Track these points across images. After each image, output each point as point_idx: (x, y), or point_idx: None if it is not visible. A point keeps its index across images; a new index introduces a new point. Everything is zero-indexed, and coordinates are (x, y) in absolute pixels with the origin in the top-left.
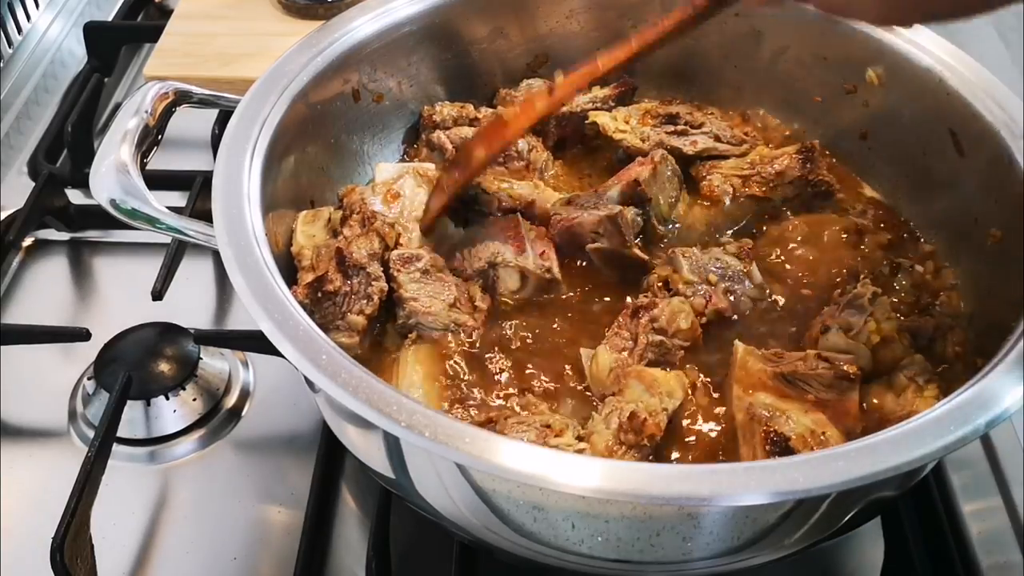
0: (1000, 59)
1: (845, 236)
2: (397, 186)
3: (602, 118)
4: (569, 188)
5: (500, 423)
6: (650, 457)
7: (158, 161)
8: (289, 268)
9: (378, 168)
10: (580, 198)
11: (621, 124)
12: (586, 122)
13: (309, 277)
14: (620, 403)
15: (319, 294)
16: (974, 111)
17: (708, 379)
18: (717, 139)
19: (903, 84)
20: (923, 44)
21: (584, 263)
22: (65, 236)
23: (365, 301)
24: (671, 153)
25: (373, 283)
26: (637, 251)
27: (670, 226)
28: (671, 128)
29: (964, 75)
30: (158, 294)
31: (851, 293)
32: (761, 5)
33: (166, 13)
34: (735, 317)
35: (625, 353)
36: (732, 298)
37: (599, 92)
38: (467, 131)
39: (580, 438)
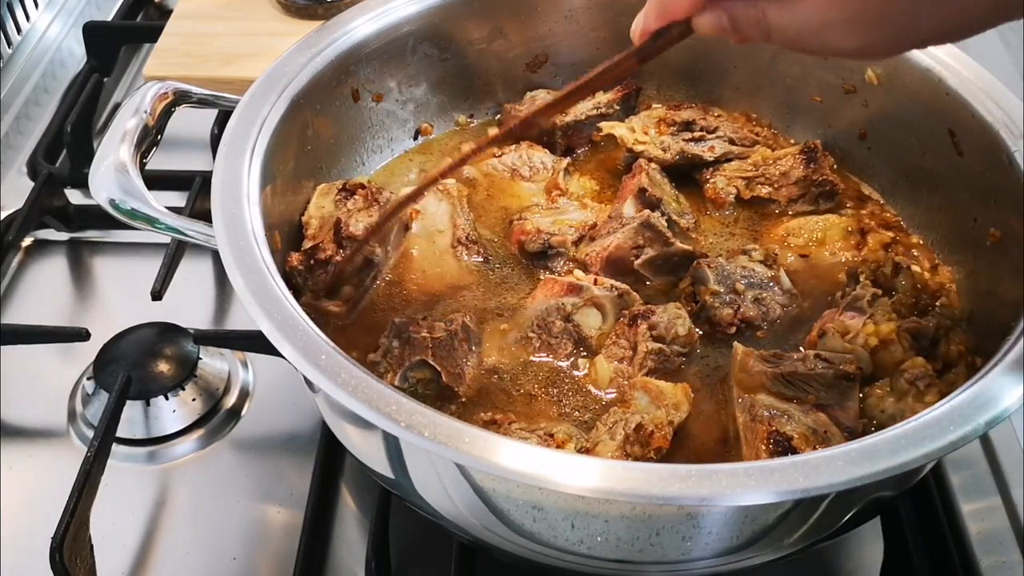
0: (1000, 59)
1: (848, 236)
2: (419, 204)
3: (619, 130)
4: (591, 194)
5: (504, 427)
6: None
7: (157, 161)
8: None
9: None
10: (598, 229)
11: (640, 135)
12: (601, 133)
13: (308, 245)
14: (625, 414)
15: (312, 261)
16: (973, 111)
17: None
18: (731, 142)
19: (902, 84)
20: None
21: (628, 281)
22: (64, 236)
23: (355, 272)
24: (691, 160)
25: (366, 255)
26: (681, 244)
27: (687, 217)
28: (688, 135)
29: (963, 75)
30: (157, 294)
31: (851, 295)
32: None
33: (165, 13)
34: (765, 325)
35: (624, 362)
36: (761, 306)
37: (602, 97)
38: None
39: (584, 450)
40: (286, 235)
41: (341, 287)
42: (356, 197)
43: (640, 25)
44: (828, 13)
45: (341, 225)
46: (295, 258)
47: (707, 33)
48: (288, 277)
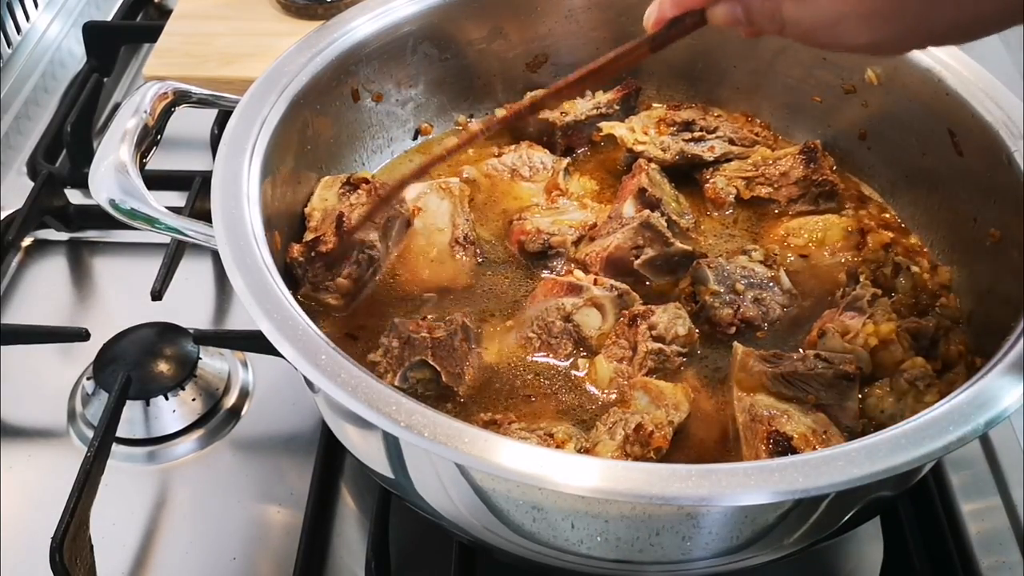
0: (1000, 59)
1: (848, 236)
2: (421, 202)
3: (619, 130)
4: (591, 194)
5: (503, 427)
6: None
7: (157, 161)
8: (290, 270)
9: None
10: (598, 229)
11: (640, 135)
12: (601, 133)
13: (310, 237)
14: (625, 414)
15: (312, 253)
16: (973, 111)
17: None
18: (731, 142)
19: (902, 84)
20: None
21: (628, 281)
22: (64, 236)
23: (355, 266)
24: (691, 160)
25: (366, 250)
26: (681, 244)
27: (687, 217)
28: (688, 135)
29: (963, 75)
30: (157, 294)
31: (851, 295)
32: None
33: (165, 13)
34: (765, 325)
35: (624, 362)
36: (761, 306)
37: (602, 97)
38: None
39: (584, 450)
40: (288, 228)
41: (337, 267)
42: (359, 191)
43: (655, 13)
44: (843, 7)
45: (344, 218)
46: (296, 249)
47: (721, 23)
48: (288, 268)
